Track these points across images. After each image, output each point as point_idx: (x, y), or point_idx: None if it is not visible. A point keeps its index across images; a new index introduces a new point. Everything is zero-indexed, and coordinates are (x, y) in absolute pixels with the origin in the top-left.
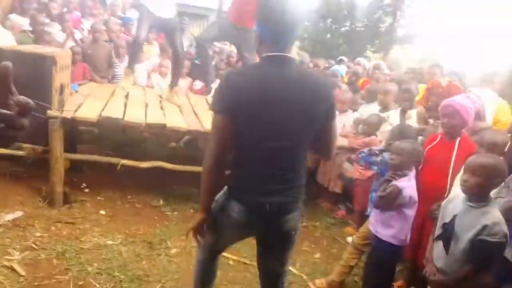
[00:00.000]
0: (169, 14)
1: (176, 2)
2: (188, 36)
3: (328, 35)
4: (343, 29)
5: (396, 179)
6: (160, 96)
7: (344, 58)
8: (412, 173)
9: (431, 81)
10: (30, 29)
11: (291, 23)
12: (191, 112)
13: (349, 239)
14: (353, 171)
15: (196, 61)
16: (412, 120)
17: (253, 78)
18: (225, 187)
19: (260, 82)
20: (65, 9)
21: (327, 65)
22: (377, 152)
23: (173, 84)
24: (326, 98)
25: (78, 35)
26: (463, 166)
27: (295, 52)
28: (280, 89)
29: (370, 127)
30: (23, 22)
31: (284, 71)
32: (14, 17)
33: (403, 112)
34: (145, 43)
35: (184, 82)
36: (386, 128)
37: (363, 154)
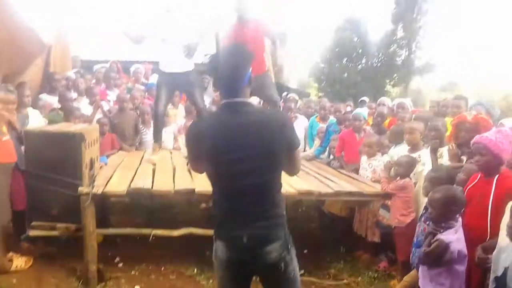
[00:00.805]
0: (184, 68)
1: (192, 59)
2: (210, 93)
3: (345, 74)
4: (359, 66)
5: (440, 232)
6: (186, 158)
7: (365, 98)
8: (458, 223)
9: (456, 115)
10: (60, 106)
11: (232, 72)
12: None
13: None
14: (390, 218)
15: None
16: (445, 158)
17: (209, 125)
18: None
19: (216, 128)
20: (93, 81)
21: (348, 108)
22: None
23: None
24: (281, 132)
25: (105, 106)
26: (508, 210)
27: (314, 94)
28: (234, 131)
29: (402, 169)
30: (53, 101)
31: (237, 114)
32: (44, 96)
33: (434, 151)
34: (170, 107)
35: None
36: (419, 169)
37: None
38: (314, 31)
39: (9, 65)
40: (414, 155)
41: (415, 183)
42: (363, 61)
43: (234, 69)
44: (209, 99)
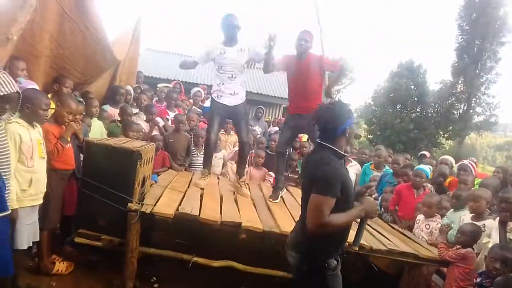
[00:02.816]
0: (233, 103)
1: (245, 90)
2: (263, 124)
3: (398, 120)
4: (413, 114)
5: None
6: (233, 188)
7: (426, 153)
8: None
9: None
10: (119, 118)
11: (326, 124)
12: (264, 207)
13: None
14: (444, 287)
15: (267, 150)
16: None
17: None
18: None
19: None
20: (155, 99)
21: (407, 161)
22: None
23: (240, 173)
24: (311, 173)
25: (160, 122)
26: None
27: (364, 135)
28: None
29: (466, 238)
30: (114, 112)
31: (313, 153)
32: (107, 107)
33: (503, 224)
34: (222, 132)
35: (258, 173)
36: (484, 240)
37: None
38: (367, 73)
39: (80, 77)
40: (479, 223)
41: (477, 254)
42: (418, 109)
43: (328, 123)
44: (260, 129)
